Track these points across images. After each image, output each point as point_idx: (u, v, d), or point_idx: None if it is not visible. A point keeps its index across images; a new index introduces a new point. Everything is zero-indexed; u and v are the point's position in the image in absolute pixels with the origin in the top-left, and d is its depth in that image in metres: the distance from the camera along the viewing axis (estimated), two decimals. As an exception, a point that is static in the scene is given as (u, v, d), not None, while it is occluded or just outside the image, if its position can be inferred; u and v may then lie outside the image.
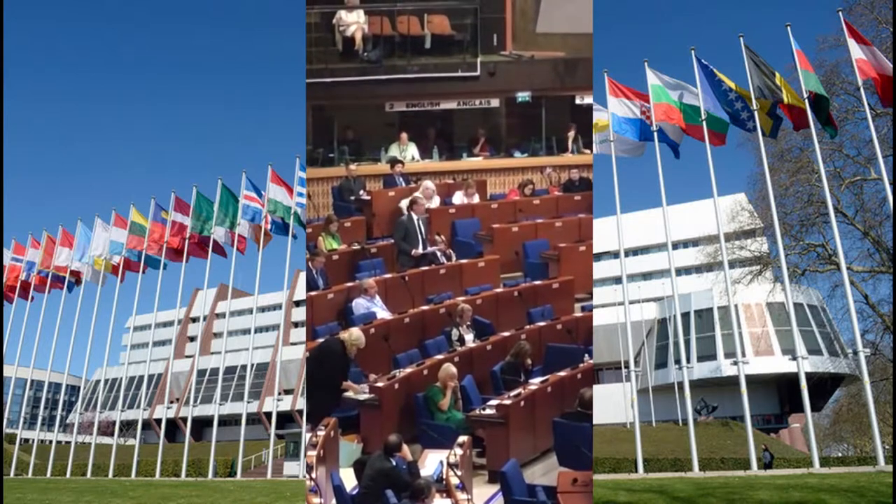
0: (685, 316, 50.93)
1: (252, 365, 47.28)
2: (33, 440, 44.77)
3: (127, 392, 65.55)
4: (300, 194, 23.39)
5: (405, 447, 8.10)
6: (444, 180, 15.59)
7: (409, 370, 10.06)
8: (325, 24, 14.69)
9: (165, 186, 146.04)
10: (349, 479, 8.11)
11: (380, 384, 9.64)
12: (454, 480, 7.79)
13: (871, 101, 17.86)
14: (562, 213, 14.84)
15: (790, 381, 45.76)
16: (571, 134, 16.59)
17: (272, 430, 22.08)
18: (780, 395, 51.39)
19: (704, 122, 17.74)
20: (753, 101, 17.41)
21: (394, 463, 7.92)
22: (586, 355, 10.48)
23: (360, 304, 11.67)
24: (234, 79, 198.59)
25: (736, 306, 41.33)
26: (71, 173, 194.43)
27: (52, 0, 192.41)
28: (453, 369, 9.69)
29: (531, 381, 10.04)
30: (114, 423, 37.68)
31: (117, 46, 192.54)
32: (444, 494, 7.72)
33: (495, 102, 16.06)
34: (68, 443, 40.30)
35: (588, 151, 16.70)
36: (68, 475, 26.13)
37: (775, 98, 17.39)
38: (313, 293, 11.79)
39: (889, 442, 39.50)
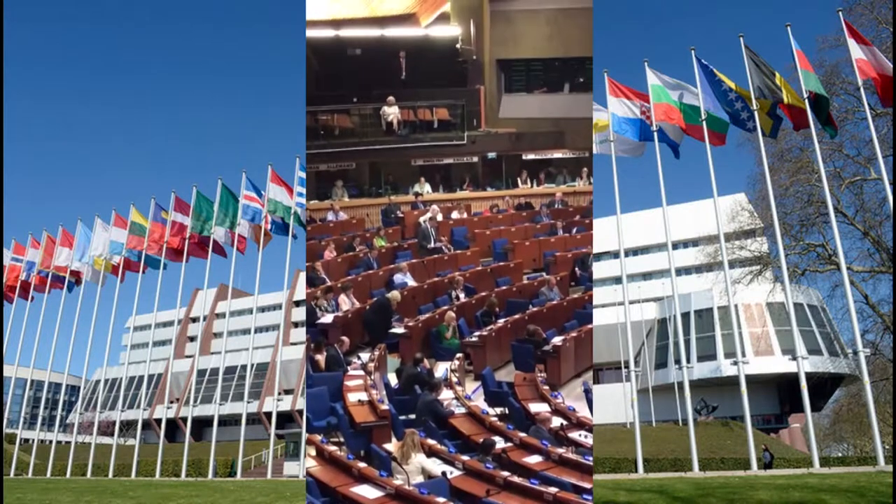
0: (685, 316, 50.93)
1: (252, 365, 47.33)
2: (33, 440, 44.78)
3: (127, 392, 65.56)
4: (300, 194, 23.39)
5: (426, 360, 13.36)
6: (446, 205, 23.79)
7: (426, 316, 15.84)
8: (375, 115, 23.29)
9: (165, 186, 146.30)
10: (393, 380, 13.44)
11: (410, 324, 15.33)
12: (454, 379, 12.81)
13: (871, 101, 17.85)
14: (515, 223, 23.01)
15: (790, 381, 45.78)
16: (523, 176, 25.53)
17: (272, 430, 22.08)
18: (780, 395, 51.37)
19: (704, 122, 17.74)
20: (753, 101, 17.40)
21: (419, 370, 12.90)
22: (530, 306, 16.66)
23: (398, 278, 18.22)
24: (234, 79, 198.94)
25: (736, 306, 41.44)
26: (71, 173, 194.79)
27: (52, 0, 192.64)
28: (453, 314, 15.44)
29: (498, 321, 15.75)
30: (114, 423, 37.68)
31: (117, 46, 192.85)
32: (449, 387, 12.48)
33: (475, 159, 25.02)
34: (68, 443, 40.30)
35: (528, 186, 25.29)
36: (68, 475, 26.13)
37: (775, 98, 17.38)
38: (370, 271, 18.71)
39: (889, 442, 39.49)
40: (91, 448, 25.78)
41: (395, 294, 15.88)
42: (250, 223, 24.15)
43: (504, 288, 17.91)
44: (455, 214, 23.15)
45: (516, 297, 17.52)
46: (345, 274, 18.54)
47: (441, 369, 13.47)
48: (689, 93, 18.29)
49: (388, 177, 24.82)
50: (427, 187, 24.67)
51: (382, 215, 23.24)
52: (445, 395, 12.12)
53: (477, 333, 14.98)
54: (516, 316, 15.89)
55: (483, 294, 17.27)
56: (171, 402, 67.13)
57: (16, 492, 16.26)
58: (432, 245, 20.68)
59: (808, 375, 17.57)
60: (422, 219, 21.73)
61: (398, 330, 15.10)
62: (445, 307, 16.28)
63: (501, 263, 20.02)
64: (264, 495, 12.72)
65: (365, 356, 13.70)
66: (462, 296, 17.29)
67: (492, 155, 24.87)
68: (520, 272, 19.89)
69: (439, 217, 22.32)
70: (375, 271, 18.72)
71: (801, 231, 26.31)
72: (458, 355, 14.00)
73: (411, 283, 18.01)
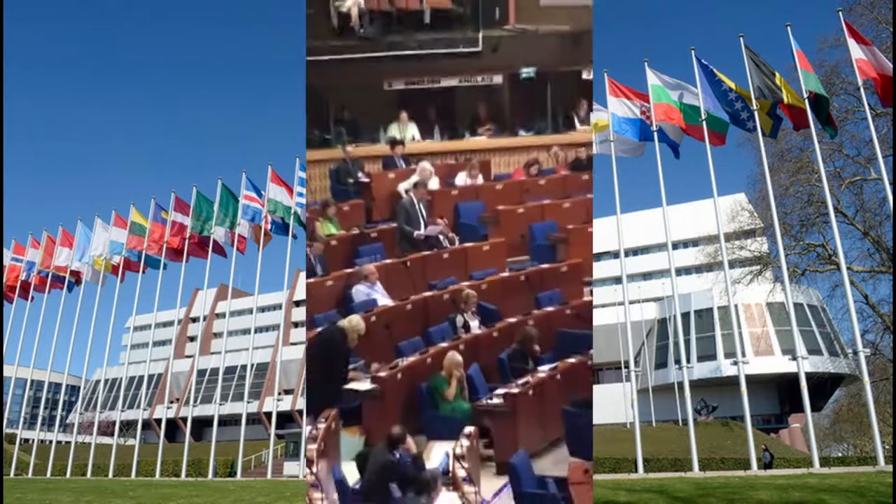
0: (685, 316, 50.91)
1: (252, 365, 47.25)
2: (33, 440, 44.76)
3: (127, 392, 65.52)
4: (300, 194, 23.38)
5: (409, 439, 7.79)
6: (446, 161, 14.60)
7: (412, 359, 9.60)
8: (320, 3, 13.80)
9: (165, 186, 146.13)
10: (352, 474, 7.81)
11: (382, 374, 9.15)
12: (461, 473, 7.47)
13: (871, 101, 17.84)
14: (569, 193, 13.70)
15: (790, 381, 45.76)
16: (583, 109, 15.38)
17: (272, 430, 22.08)
18: (780, 395, 51.38)
19: (704, 122, 17.73)
20: (753, 101, 17.40)
21: (398, 456, 7.62)
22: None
23: (360, 291, 11.12)
24: (234, 79, 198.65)
25: (736, 306, 41.34)
26: (71, 173, 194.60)
27: (52, 0, 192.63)
28: (458, 358, 9.23)
29: (540, 368, 9.63)
30: (114, 423, 37.65)
31: (117, 46, 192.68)
32: (451, 488, 7.44)
33: (498, 79, 15.05)
34: (68, 443, 40.28)
35: (593, 127, 15.99)
36: (68, 475, 26.13)
37: (775, 98, 17.39)
38: (311, 280, 11.19)
39: (889, 442, 39.49)
40: (91, 448, 25.77)
41: (354, 321, 9.52)
42: (250, 223, 24.15)
43: (550, 309, 10.98)
44: (462, 178, 14.23)
45: (573, 325, 10.63)
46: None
47: (438, 455, 8.36)
48: (689, 93, 18.29)
49: (342, 112, 14.98)
50: (413, 130, 15.24)
51: (333, 180, 14.20)
52: (445, 500, 7.56)
53: (502, 391, 9.10)
54: (572, 360, 9.59)
55: (513, 320, 10.65)
56: (171, 402, 67.11)
57: (16, 492, 16.25)
58: (421, 232, 12.99)
59: (808, 375, 17.58)
60: (403, 186, 13.69)
61: (360, 385, 9.20)
62: (445, 343, 10.02)
63: (546, 266, 12.21)
64: (264, 495, 12.71)
65: (303, 430, 8.35)
66: (475, 323, 10.74)
67: (528, 72, 15.09)
68: (579, 280, 12.20)
69: (434, 183, 13.78)
70: (320, 279, 11.35)
71: (801, 231, 26.33)
72: (469, 430, 8.18)
73: (384, 300, 11.09)
